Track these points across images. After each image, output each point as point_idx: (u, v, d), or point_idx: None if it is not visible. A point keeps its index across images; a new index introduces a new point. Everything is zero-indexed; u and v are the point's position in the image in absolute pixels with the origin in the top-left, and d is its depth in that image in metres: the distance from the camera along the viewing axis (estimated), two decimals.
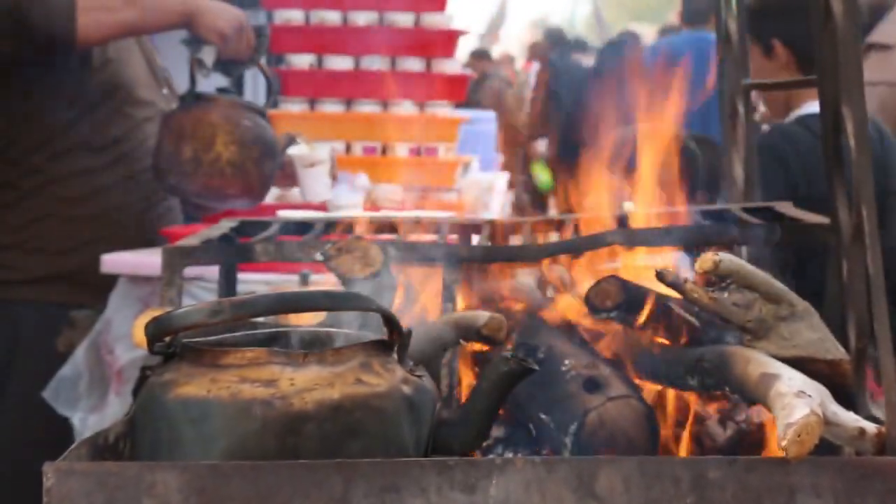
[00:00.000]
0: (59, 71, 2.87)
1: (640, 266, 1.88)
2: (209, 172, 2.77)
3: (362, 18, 3.92)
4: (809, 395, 1.46)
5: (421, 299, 1.91)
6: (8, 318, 2.97)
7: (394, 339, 1.55)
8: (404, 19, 3.93)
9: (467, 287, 1.93)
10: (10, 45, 2.78)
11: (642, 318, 1.73)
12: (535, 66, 12.00)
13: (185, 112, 2.83)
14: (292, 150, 3.05)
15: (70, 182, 2.96)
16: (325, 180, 3.29)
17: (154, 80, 3.18)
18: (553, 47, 12.34)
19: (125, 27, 2.85)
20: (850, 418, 1.50)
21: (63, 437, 2.63)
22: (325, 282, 2.12)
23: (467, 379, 1.86)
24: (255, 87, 6.06)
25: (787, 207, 2.04)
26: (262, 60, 3.01)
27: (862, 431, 1.49)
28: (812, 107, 3.41)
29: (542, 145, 10.56)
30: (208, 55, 2.79)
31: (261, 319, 1.65)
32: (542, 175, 9.64)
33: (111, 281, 2.78)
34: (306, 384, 1.46)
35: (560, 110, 10.21)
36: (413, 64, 3.92)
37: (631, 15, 19.80)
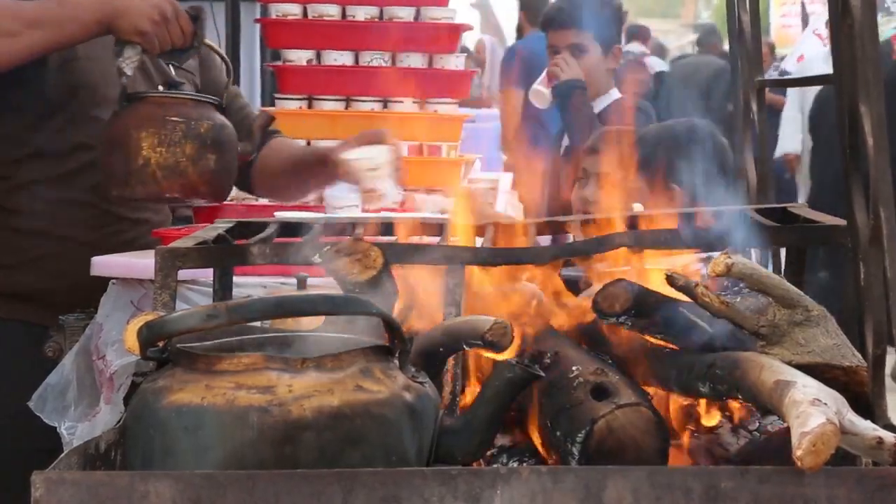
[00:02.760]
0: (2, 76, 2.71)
1: (651, 269, 1.85)
2: (142, 180, 2.62)
3: (361, 13, 3.87)
4: (825, 404, 1.44)
5: (423, 303, 1.88)
6: None
7: (395, 345, 1.53)
8: (405, 13, 3.88)
9: (471, 291, 1.90)
10: None
11: (652, 322, 1.70)
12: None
13: (115, 119, 2.70)
14: (351, 154, 2.86)
15: (18, 193, 2.82)
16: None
17: (138, 73, 2.91)
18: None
19: (35, 49, 2.69)
20: (868, 427, 1.47)
21: (51, 446, 2.56)
22: (323, 285, 2.09)
23: (471, 386, 1.83)
24: (251, 80, 6.04)
25: (802, 209, 2.00)
26: (208, 42, 2.85)
27: (880, 441, 1.46)
28: None
29: None
30: (129, 60, 2.68)
31: (257, 324, 1.63)
32: None
33: (59, 299, 2.69)
34: (305, 391, 1.44)
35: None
36: (414, 60, 3.88)
37: (639, 10, 19.74)
